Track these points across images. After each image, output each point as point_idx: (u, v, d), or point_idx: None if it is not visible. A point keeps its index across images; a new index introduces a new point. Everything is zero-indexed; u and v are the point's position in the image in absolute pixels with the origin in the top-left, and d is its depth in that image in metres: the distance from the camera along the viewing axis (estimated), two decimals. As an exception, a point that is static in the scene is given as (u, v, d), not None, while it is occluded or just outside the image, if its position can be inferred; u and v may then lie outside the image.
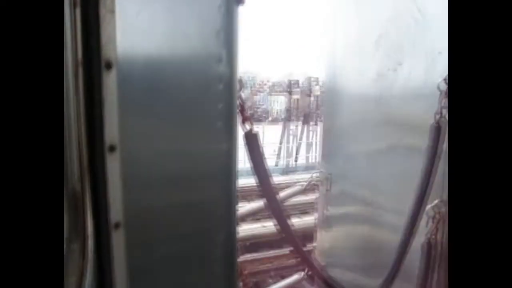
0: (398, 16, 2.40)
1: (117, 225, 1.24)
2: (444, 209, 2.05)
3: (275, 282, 6.99)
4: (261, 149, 1.88)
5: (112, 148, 1.22)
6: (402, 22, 2.36)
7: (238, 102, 1.51)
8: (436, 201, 2.05)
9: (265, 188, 2.05)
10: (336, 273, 3.06)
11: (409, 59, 2.33)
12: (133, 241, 1.30)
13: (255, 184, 2.08)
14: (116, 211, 1.24)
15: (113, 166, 1.22)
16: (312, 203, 3.54)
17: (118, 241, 1.23)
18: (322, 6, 3.20)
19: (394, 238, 2.22)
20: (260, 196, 2.20)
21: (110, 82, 1.19)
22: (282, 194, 3.45)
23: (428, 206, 2.05)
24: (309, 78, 18.87)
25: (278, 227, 2.40)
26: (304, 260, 2.82)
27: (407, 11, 2.29)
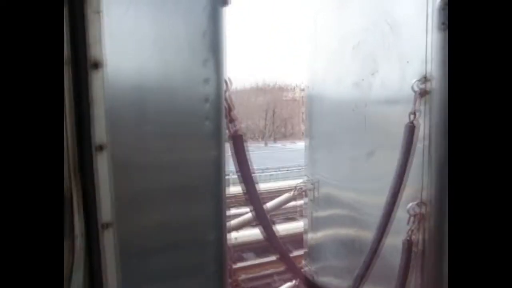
0: (373, 26, 2.49)
1: (106, 225, 1.23)
2: (423, 210, 2.10)
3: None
4: (247, 152, 1.87)
5: (101, 148, 1.22)
6: (376, 32, 2.45)
7: (224, 103, 1.53)
8: (412, 203, 2.11)
9: (250, 193, 2.03)
10: (326, 278, 3.06)
11: (382, 67, 2.42)
12: (123, 242, 1.29)
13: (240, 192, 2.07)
14: (105, 211, 1.23)
15: (102, 165, 1.22)
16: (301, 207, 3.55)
17: (108, 240, 1.22)
18: (305, 14, 3.26)
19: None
20: (246, 202, 2.18)
21: (98, 81, 1.20)
22: (271, 202, 3.45)
23: (409, 205, 2.09)
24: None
25: (264, 234, 2.39)
26: (291, 268, 2.81)
27: (380, 22, 2.39)
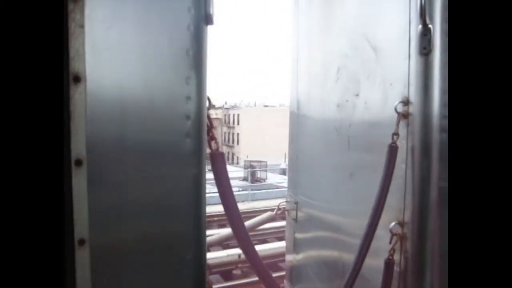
0: (355, 50, 2.55)
1: (82, 242, 1.21)
2: (404, 230, 2.12)
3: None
4: (226, 170, 1.87)
5: (78, 162, 1.20)
6: (359, 56, 2.51)
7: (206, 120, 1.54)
8: (395, 223, 2.12)
9: (230, 212, 2.02)
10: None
11: (365, 90, 2.47)
12: (98, 259, 1.26)
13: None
14: (81, 227, 1.21)
15: (80, 180, 1.20)
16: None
17: (82, 257, 1.19)
18: (288, 37, 3.33)
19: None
20: (226, 221, 2.16)
21: (78, 95, 1.19)
22: (251, 220, 3.43)
23: (391, 224, 2.11)
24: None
25: (245, 253, 2.37)
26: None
27: (362, 47, 2.45)
